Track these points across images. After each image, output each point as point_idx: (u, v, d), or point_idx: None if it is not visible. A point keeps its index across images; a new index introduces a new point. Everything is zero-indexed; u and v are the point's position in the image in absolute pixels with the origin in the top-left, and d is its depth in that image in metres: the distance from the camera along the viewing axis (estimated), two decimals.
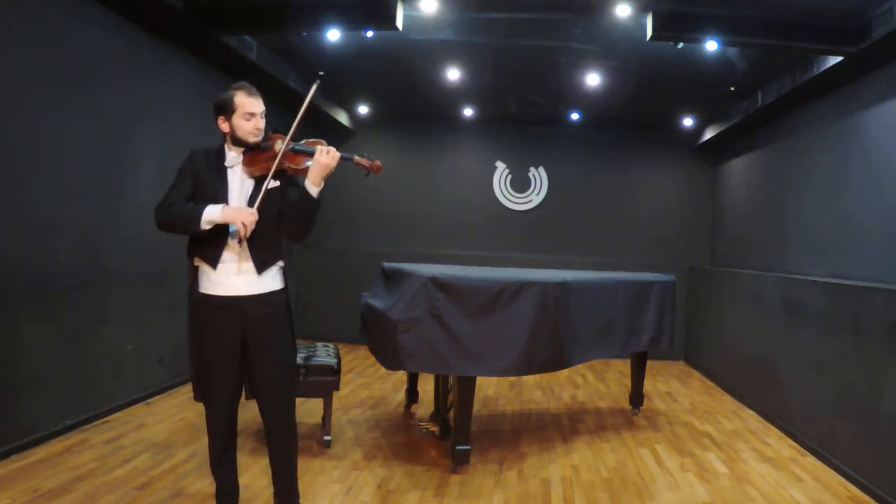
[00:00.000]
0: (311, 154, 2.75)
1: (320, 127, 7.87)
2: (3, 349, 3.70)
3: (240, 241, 2.70)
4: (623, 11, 4.52)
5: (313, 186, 2.69)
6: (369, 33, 5.17)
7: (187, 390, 5.52)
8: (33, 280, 3.93)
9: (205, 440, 4.20)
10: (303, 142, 2.82)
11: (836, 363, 4.37)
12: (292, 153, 2.77)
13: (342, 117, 8.19)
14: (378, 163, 2.87)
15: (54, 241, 4.10)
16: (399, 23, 4.66)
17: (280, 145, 2.74)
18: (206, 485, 3.51)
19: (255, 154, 2.77)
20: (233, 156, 2.79)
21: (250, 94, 2.75)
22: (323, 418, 4.23)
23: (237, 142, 2.77)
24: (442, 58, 6.11)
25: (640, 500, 3.68)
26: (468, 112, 8.29)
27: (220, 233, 2.72)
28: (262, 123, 2.78)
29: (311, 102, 2.79)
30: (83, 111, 4.33)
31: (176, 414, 4.84)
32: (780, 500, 3.74)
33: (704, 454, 4.53)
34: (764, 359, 5.62)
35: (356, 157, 2.86)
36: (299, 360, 4.07)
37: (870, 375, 3.94)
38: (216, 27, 4.90)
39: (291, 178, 2.83)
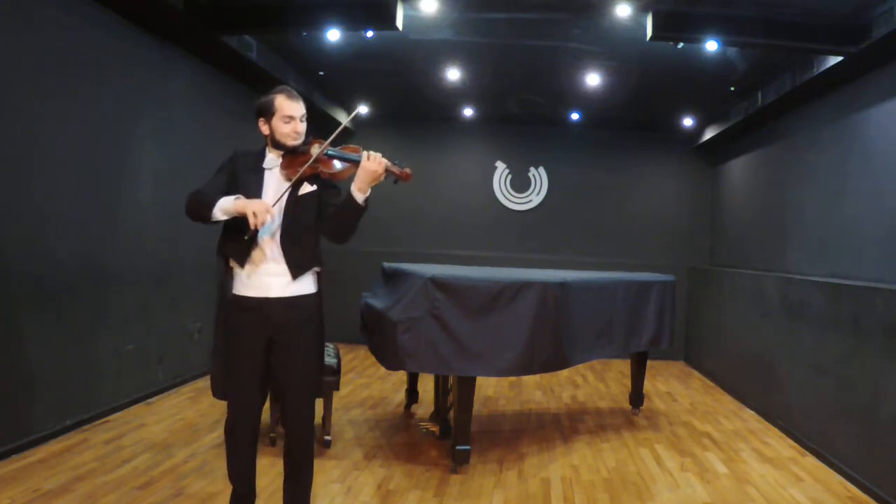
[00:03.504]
0: (346, 160, 2.74)
1: (320, 127, 7.86)
2: (3, 349, 3.70)
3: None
4: (623, 11, 4.52)
5: (359, 192, 2.68)
6: (369, 33, 5.18)
7: (187, 390, 5.53)
8: (33, 280, 3.92)
9: (205, 440, 4.26)
10: (340, 147, 2.80)
11: (836, 363, 4.37)
12: (327, 157, 2.75)
13: (342, 117, 8.19)
14: (408, 170, 2.81)
15: (54, 241, 4.10)
16: (399, 23, 4.66)
17: (317, 149, 2.74)
18: (206, 484, 3.51)
19: (292, 157, 2.77)
20: (271, 158, 2.79)
21: (290, 97, 2.76)
22: (323, 418, 4.22)
23: (277, 144, 2.78)
24: (442, 58, 6.11)
25: (640, 500, 3.68)
26: (468, 112, 8.28)
27: (248, 231, 2.68)
28: (301, 127, 2.77)
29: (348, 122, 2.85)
30: (84, 111, 4.33)
31: (176, 414, 4.84)
32: (780, 500, 3.74)
33: (704, 454, 4.53)
34: (764, 359, 5.62)
35: (387, 164, 2.78)
36: None
37: (870, 375, 3.94)
38: (216, 27, 4.90)
39: (328, 182, 2.80)
